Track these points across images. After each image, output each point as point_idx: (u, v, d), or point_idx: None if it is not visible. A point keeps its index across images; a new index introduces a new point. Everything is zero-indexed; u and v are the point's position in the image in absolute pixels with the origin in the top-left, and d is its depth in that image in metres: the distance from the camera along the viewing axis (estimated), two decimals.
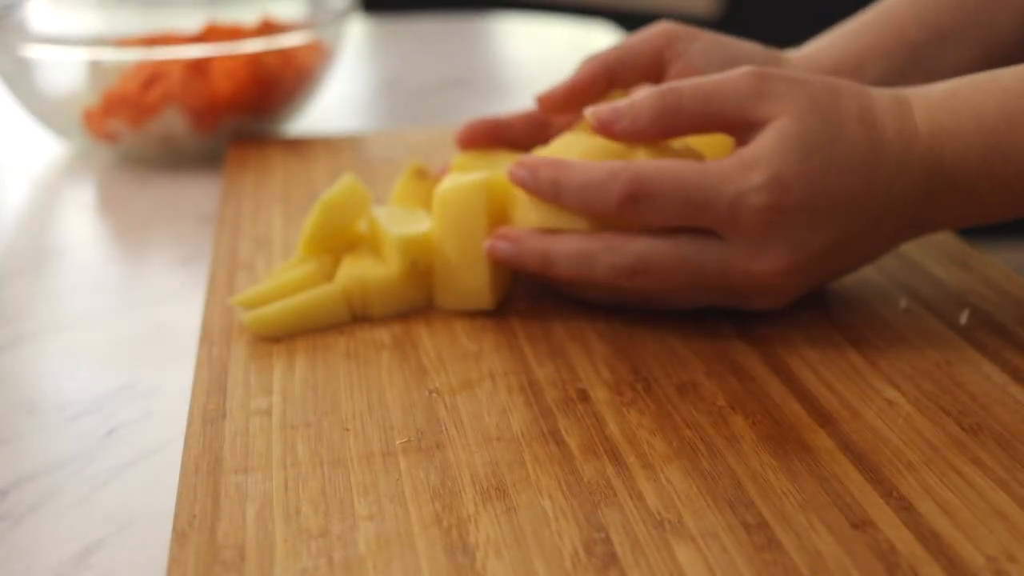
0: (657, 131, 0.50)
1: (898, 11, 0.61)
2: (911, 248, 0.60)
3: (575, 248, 0.50)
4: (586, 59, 0.57)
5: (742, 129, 0.49)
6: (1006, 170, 0.48)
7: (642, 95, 0.50)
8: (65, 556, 0.40)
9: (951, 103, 0.49)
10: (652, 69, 0.56)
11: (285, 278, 0.53)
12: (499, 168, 0.54)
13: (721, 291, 0.51)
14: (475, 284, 0.52)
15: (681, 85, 0.50)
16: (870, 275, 0.57)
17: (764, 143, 0.48)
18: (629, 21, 0.67)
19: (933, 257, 0.59)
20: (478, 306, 0.53)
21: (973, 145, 0.48)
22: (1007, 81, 0.49)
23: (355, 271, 0.53)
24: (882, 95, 0.50)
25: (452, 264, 0.52)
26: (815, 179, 0.47)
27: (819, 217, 0.48)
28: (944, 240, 0.61)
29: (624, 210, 0.48)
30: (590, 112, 0.51)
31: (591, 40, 1.07)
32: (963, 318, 0.53)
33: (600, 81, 0.56)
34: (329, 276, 0.54)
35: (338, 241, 0.55)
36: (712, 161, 0.49)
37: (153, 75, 0.76)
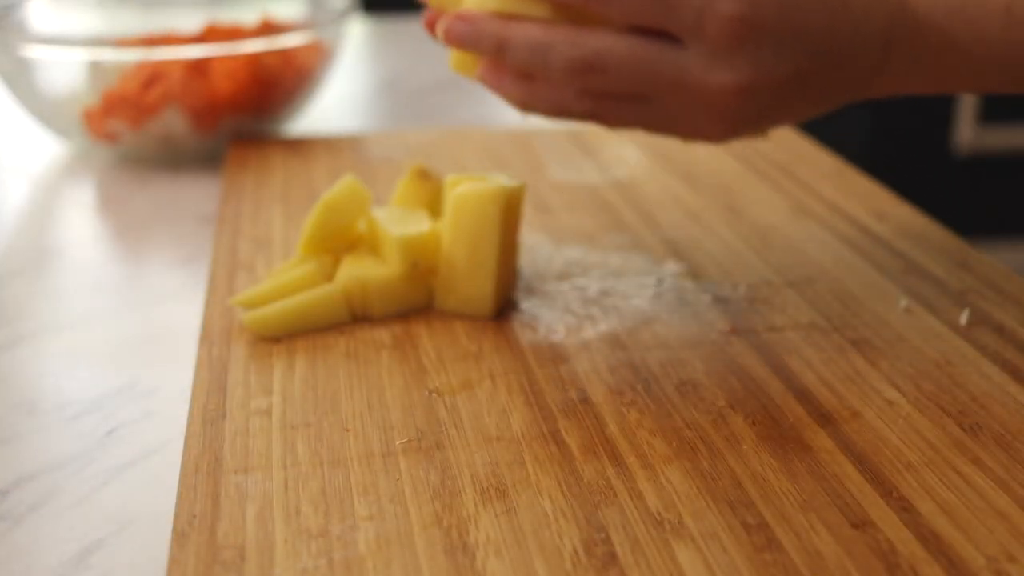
0: None
1: None
2: (911, 248, 0.60)
3: (533, 36, 0.49)
4: None
5: None
6: (966, 34, 0.48)
7: None
8: (65, 556, 0.40)
9: None
10: None
11: (285, 278, 0.53)
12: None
13: (671, 107, 0.50)
14: (479, 291, 0.52)
15: None
16: (871, 275, 0.57)
17: None
18: None
19: (933, 257, 0.59)
20: (478, 313, 0.53)
21: (939, 2, 0.49)
22: None
23: (355, 271, 0.53)
24: None
25: (458, 269, 0.52)
26: (787, 4, 0.47)
27: (786, 42, 0.47)
28: (944, 240, 0.61)
29: (593, 2, 0.48)
30: None
31: None
32: (963, 318, 0.53)
33: None
34: (329, 276, 0.54)
35: (338, 241, 0.55)
36: None
37: (153, 75, 0.76)
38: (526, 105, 0.52)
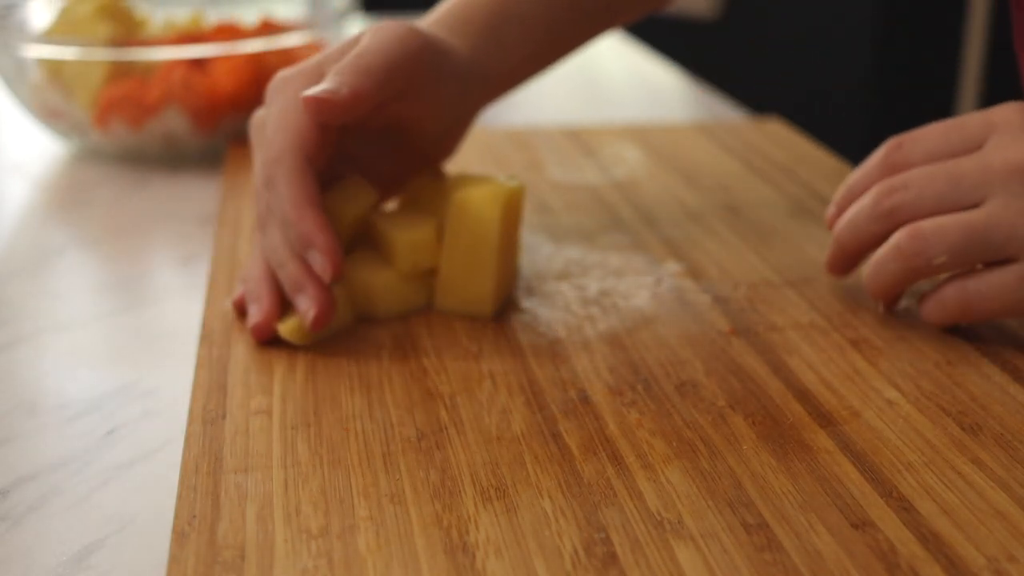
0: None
1: None
2: None
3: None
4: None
5: None
6: None
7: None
8: (65, 556, 0.40)
9: None
10: None
11: None
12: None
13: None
14: (478, 291, 0.52)
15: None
16: None
17: None
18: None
19: None
20: (477, 313, 0.53)
21: None
22: None
23: (359, 272, 0.53)
24: None
25: (458, 269, 0.52)
26: None
27: None
28: None
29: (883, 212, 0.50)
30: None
31: None
32: None
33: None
34: None
35: (341, 240, 0.54)
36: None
37: (153, 75, 0.76)
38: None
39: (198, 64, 0.77)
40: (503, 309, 0.53)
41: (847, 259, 0.53)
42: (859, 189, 0.51)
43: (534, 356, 0.50)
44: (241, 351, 0.50)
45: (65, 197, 0.75)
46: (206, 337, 0.51)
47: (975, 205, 0.47)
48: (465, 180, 0.54)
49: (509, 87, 0.60)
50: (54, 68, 0.77)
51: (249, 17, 0.85)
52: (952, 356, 0.49)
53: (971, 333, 0.51)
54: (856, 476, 0.41)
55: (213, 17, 0.85)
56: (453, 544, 0.37)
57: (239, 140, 0.78)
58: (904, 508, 0.39)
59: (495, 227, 0.51)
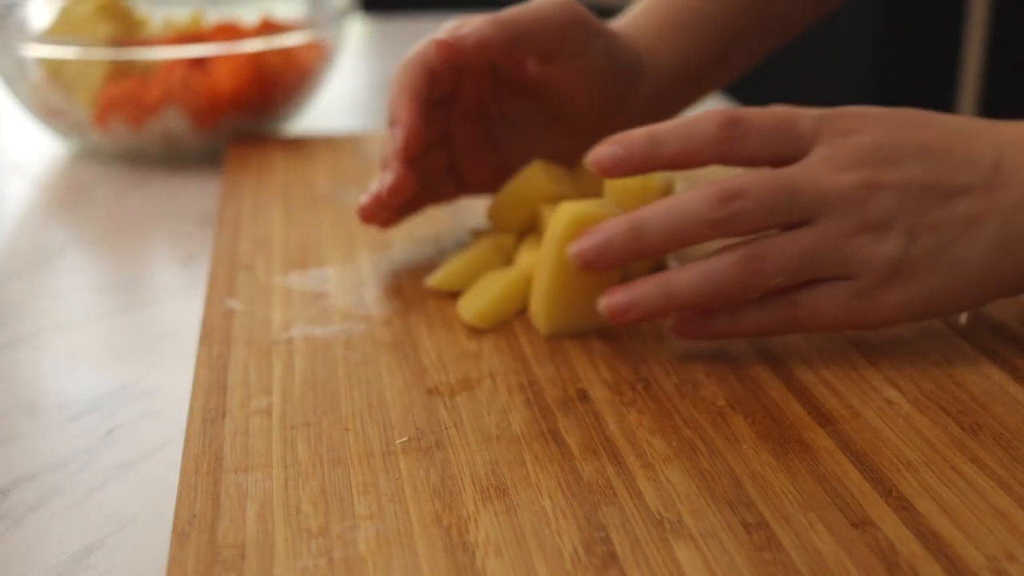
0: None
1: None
2: None
3: (698, 274, 0.48)
4: None
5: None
6: None
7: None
8: (65, 556, 0.40)
9: None
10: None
11: (470, 257, 0.56)
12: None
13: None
14: (536, 305, 0.51)
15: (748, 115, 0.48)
16: None
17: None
18: None
19: None
20: (537, 327, 0.52)
21: None
22: None
23: (532, 256, 0.54)
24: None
25: (536, 275, 0.52)
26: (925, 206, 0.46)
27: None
28: None
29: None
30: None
31: None
32: (963, 318, 0.53)
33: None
34: (507, 255, 0.57)
35: (520, 222, 0.57)
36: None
37: (153, 74, 0.76)
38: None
39: (198, 64, 0.77)
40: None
41: (666, 249, 0.50)
42: (684, 157, 0.49)
43: (534, 356, 0.50)
44: (241, 351, 0.50)
45: (65, 197, 0.75)
46: (206, 337, 0.51)
47: (805, 221, 0.47)
48: (599, 184, 0.55)
49: (676, 88, 0.62)
50: (54, 68, 0.77)
51: (249, 17, 0.85)
52: (952, 356, 0.49)
53: (971, 333, 0.51)
54: (856, 475, 0.41)
55: (213, 17, 0.86)
56: (453, 543, 0.37)
57: (239, 140, 0.78)
58: (904, 507, 0.39)
59: (554, 243, 0.50)
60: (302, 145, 0.77)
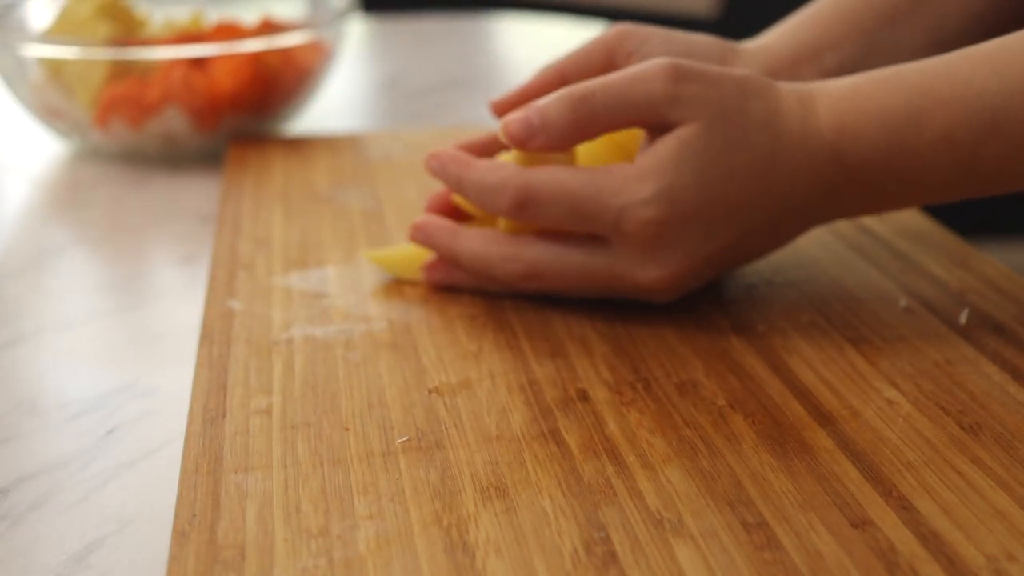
0: (572, 140, 0.51)
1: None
2: (911, 248, 0.60)
3: (475, 250, 0.52)
4: (542, 67, 0.58)
5: (655, 128, 0.49)
6: (909, 167, 0.49)
7: (554, 104, 0.50)
8: (65, 556, 0.40)
9: (856, 101, 0.49)
10: (606, 70, 0.56)
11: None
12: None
13: (614, 291, 0.52)
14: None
15: (592, 90, 0.49)
16: (870, 275, 0.57)
17: (662, 152, 0.48)
18: (629, 21, 0.67)
19: (933, 257, 0.59)
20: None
21: (877, 144, 0.48)
22: (911, 78, 0.49)
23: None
24: (789, 95, 0.50)
25: None
26: (710, 191, 0.48)
27: (714, 225, 0.49)
28: (944, 240, 0.61)
29: (514, 215, 0.50)
30: (502, 129, 0.51)
31: None
32: (963, 318, 0.53)
33: (554, 86, 0.56)
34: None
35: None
36: (608, 168, 0.49)
37: (153, 74, 0.76)
38: (480, 287, 0.55)
39: (198, 64, 0.77)
40: (503, 307, 0.53)
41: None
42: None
43: (534, 355, 0.50)
44: (241, 351, 0.50)
45: (65, 197, 0.75)
46: (206, 337, 0.51)
47: (599, 237, 0.50)
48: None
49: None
50: (54, 68, 0.77)
51: (249, 17, 0.85)
52: (952, 356, 0.49)
53: (971, 333, 0.51)
54: (856, 475, 0.41)
55: (213, 17, 0.85)
56: (453, 543, 0.37)
57: (239, 140, 0.78)
58: (904, 507, 0.39)
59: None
60: (302, 145, 0.77)
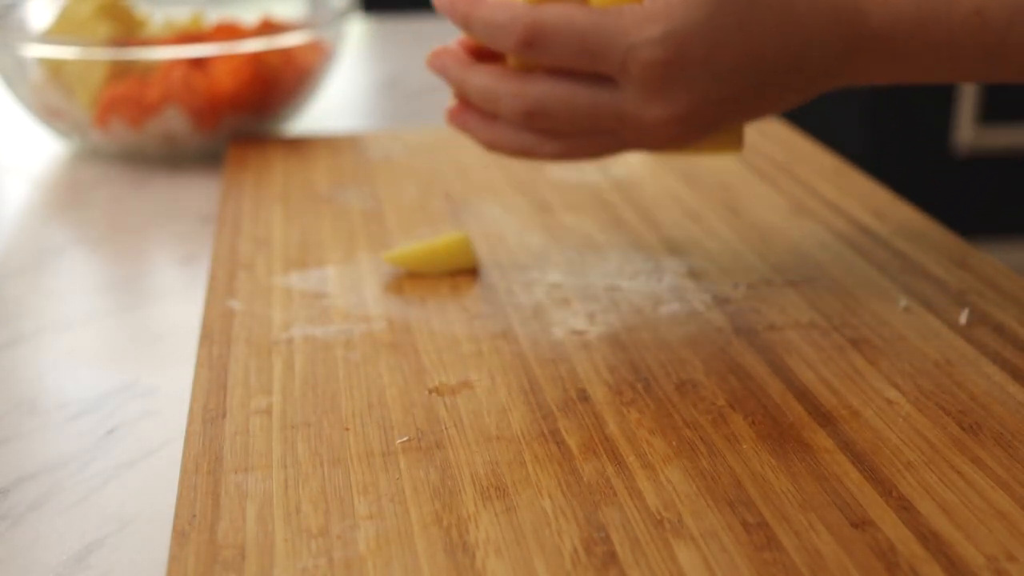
0: None
1: None
2: (911, 248, 0.60)
3: (484, 83, 0.52)
4: None
5: None
6: (937, 34, 0.48)
7: None
8: (65, 556, 0.40)
9: None
10: None
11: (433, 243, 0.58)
12: None
13: (625, 135, 0.51)
14: None
15: None
16: (870, 275, 0.57)
17: None
18: None
19: (933, 257, 0.59)
20: None
21: (905, 10, 0.48)
22: None
23: None
24: None
25: None
26: (719, 36, 0.47)
27: (722, 72, 0.48)
28: (944, 240, 0.61)
29: (522, 53, 0.49)
30: None
31: None
32: (963, 318, 0.53)
33: None
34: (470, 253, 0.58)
35: None
36: (619, 8, 0.48)
37: (153, 74, 0.76)
38: (492, 145, 0.54)
39: (198, 64, 0.77)
40: (503, 308, 0.53)
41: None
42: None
43: (534, 356, 0.50)
44: (241, 351, 0.50)
45: (65, 197, 0.75)
46: (206, 337, 0.51)
47: (607, 76, 0.49)
48: None
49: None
50: (54, 68, 0.77)
51: (249, 17, 0.85)
52: (952, 356, 0.49)
53: (971, 333, 0.51)
54: (856, 475, 0.41)
55: (213, 17, 0.85)
56: (453, 543, 0.37)
57: (239, 140, 0.78)
58: (904, 507, 0.39)
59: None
60: (302, 145, 0.77)
